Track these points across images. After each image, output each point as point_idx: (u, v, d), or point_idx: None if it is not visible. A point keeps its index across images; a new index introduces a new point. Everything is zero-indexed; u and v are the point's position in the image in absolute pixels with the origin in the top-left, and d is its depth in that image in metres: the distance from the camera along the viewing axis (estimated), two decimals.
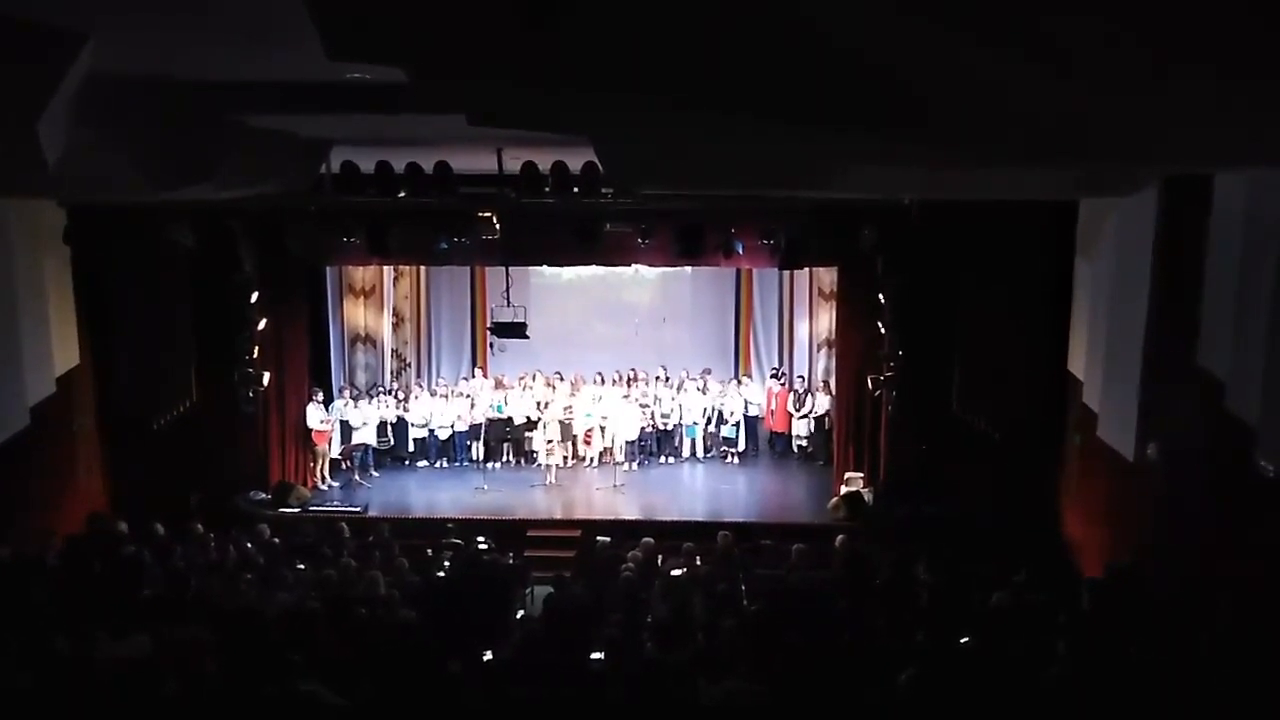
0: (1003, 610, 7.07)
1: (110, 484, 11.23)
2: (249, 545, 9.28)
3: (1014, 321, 10.17)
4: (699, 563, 9.04)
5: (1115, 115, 2.83)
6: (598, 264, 13.04)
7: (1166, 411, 7.34)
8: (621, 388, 14.09)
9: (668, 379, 14.31)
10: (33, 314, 9.59)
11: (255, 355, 11.62)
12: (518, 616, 8.73)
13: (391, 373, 15.05)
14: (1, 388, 8.89)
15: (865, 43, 2.42)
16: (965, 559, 8.48)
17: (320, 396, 12.97)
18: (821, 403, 13.80)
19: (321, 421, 12.84)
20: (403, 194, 9.26)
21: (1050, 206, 9.43)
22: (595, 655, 6.54)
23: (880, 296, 11.21)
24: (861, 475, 12.10)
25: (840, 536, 9.91)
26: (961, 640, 6.39)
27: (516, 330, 11.24)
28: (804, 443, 14.05)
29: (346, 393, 13.62)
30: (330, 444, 13.05)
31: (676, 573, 8.69)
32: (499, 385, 14.19)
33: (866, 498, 11.77)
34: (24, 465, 9.35)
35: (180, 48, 4.88)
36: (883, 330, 11.26)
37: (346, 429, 13.17)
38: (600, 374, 14.19)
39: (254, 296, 11.50)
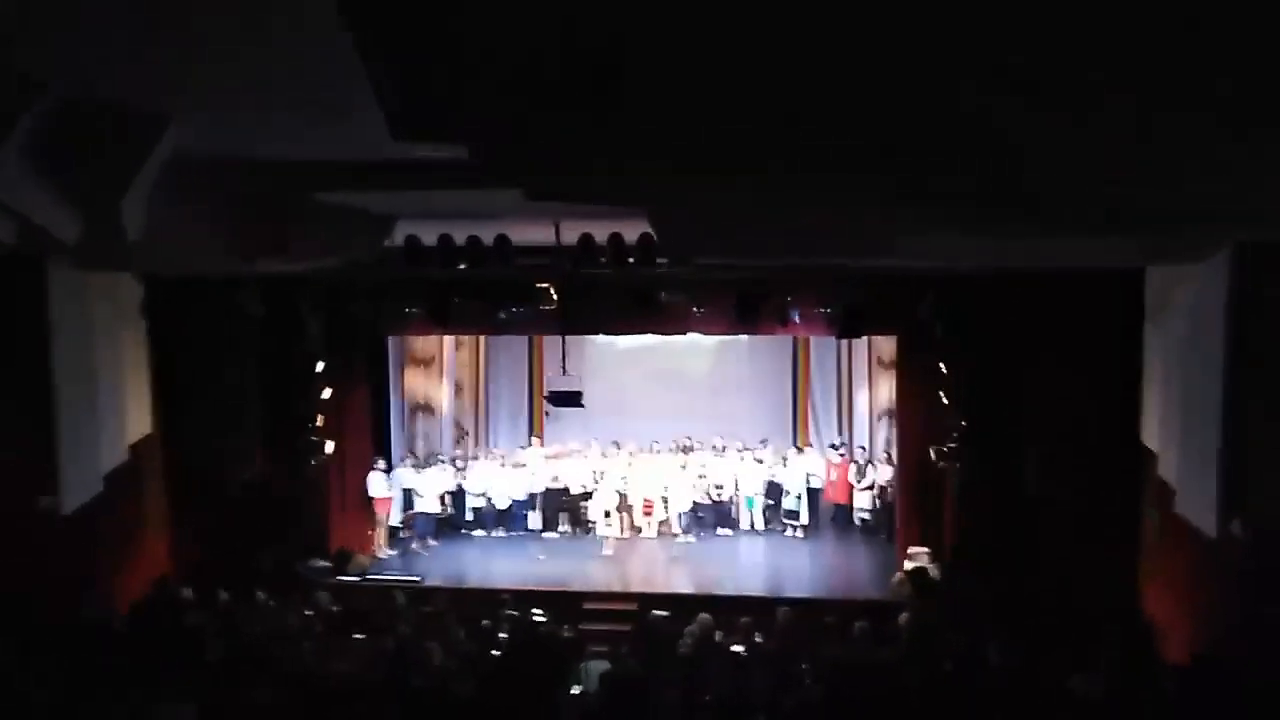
0: (1082, 697, 6.71)
1: (177, 549, 11.44)
2: (309, 613, 9.33)
3: (1082, 391, 9.89)
4: (758, 639, 8.80)
5: (1192, 181, 2.78)
6: (653, 333, 13.09)
7: (1250, 485, 7.00)
8: (678, 457, 13.99)
9: (724, 449, 14.17)
10: (110, 383, 9.95)
11: (319, 423, 11.85)
12: (573, 692, 8.56)
13: (451, 441, 15.20)
14: (78, 456, 9.18)
15: (954, 117, 2.42)
16: (1040, 640, 8.10)
17: (382, 464, 13.14)
18: (883, 474, 13.50)
19: (384, 489, 12.97)
20: (463, 266, 9.46)
21: (1116, 273, 9.23)
22: None
23: (941, 365, 11.02)
24: (926, 550, 11.73)
25: (905, 614, 9.59)
26: None
27: (572, 399, 11.28)
28: (866, 515, 13.71)
29: (408, 461, 13.78)
30: (391, 512, 13.16)
31: (735, 649, 8.47)
32: (556, 455, 14.21)
33: (932, 573, 11.38)
34: (96, 531, 9.59)
35: (256, 130, 5.11)
36: (945, 400, 11.03)
37: (408, 497, 13.28)
38: (656, 443, 14.12)
39: (319, 366, 11.78)
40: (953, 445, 10.95)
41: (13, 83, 3.61)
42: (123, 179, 4.33)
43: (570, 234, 9.32)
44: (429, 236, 9.40)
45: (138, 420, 10.75)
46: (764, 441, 14.20)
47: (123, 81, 3.89)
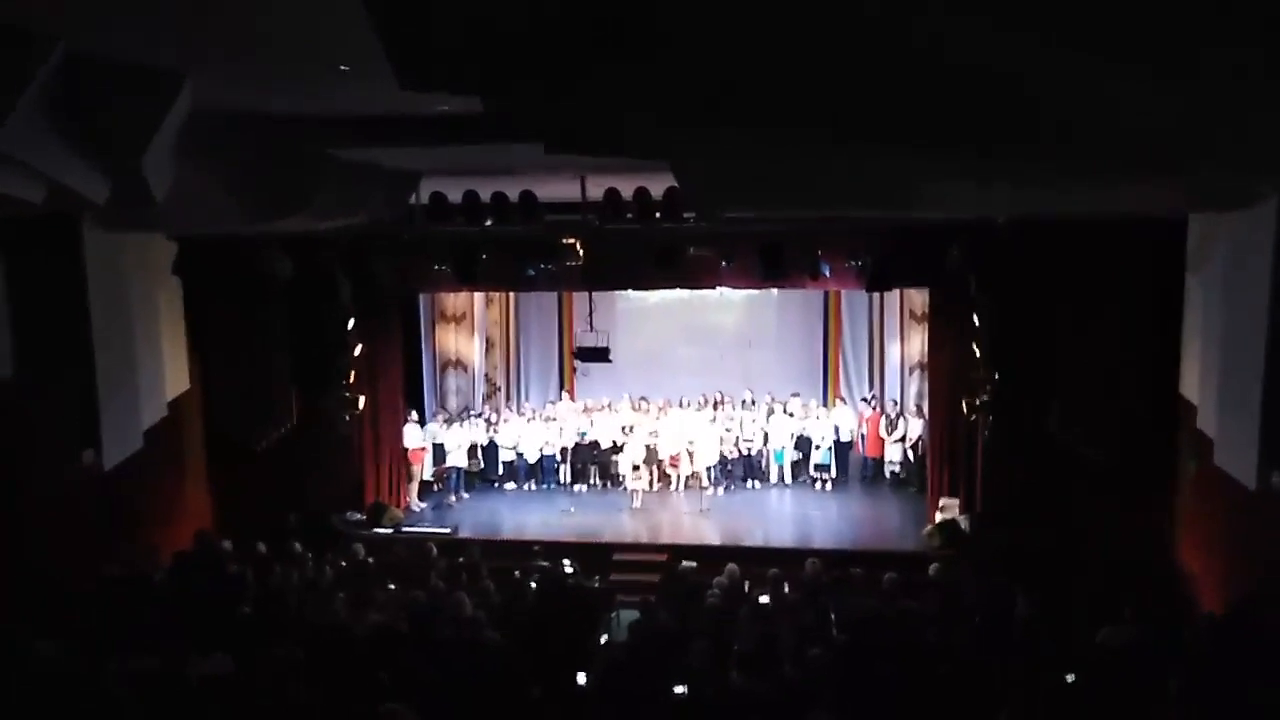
0: (1111, 647, 6.67)
1: (216, 503, 11.72)
2: (343, 564, 9.53)
3: (1119, 342, 9.67)
4: (786, 590, 8.84)
5: (1233, 126, 2.66)
6: (681, 287, 13.01)
7: None
8: (707, 411, 14.00)
9: (753, 403, 14.14)
10: (147, 341, 10.12)
11: (351, 380, 11.99)
12: (602, 641, 8.68)
13: (482, 396, 15.33)
14: (119, 412, 9.37)
15: (985, 62, 2.33)
16: (1069, 591, 8.05)
17: (415, 416, 13.31)
18: (914, 427, 13.41)
19: (419, 440, 13.17)
20: (489, 222, 9.44)
21: (1156, 221, 8.97)
22: (679, 685, 6.43)
23: (974, 317, 10.84)
24: (957, 501, 11.67)
25: (934, 565, 9.58)
26: (1065, 678, 6.06)
27: (600, 354, 11.29)
28: (896, 468, 13.66)
29: (440, 416, 13.93)
30: (424, 465, 13.36)
31: (763, 600, 8.52)
32: (585, 409, 14.28)
33: (963, 525, 11.35)
34: (138, 484, 9.83)
35: (273, 85, 5.09)
36: (977, 352, 10.87)
37: (440, 451, 13.46)
38: (685, 398, 14.14)
39: (350, 323, 11.88)
40: (984, 398, 10.82)
41: (21, 39, 3.61)
42: (142, 137, 4.35)
43: (596, 189, 9.26)
44: (454, 193, 9.38)
45: (176, 377, 10.94)
46: (795, 395, 14.14)
47: (134, 38, 3.88)
